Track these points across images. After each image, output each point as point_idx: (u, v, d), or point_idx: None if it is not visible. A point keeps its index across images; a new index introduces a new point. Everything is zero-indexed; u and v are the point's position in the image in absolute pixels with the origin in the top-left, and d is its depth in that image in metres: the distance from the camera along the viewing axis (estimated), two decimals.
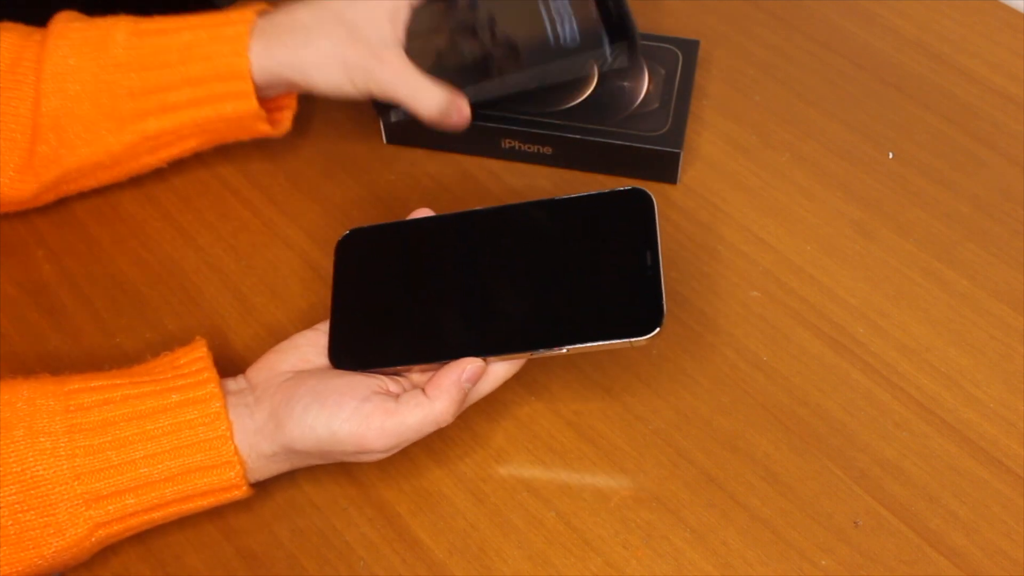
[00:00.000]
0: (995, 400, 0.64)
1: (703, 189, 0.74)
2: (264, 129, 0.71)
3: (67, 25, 0.68)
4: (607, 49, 0.70)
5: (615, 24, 0.71)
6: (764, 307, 0.68)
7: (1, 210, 0.70)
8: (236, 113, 0.68)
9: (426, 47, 0.70)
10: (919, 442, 0.63)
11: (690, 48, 0.77)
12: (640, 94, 0.75)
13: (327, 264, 0.65)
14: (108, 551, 0.59)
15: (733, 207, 0.73)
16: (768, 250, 0.71)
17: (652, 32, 0.80)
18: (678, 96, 0.75)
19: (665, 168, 0.74)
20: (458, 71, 0.69)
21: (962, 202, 0.73)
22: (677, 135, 0.73)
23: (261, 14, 0.68)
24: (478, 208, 0.63)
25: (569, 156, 0.75)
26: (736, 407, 0.64)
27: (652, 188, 0.74)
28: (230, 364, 0.66)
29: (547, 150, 0.75)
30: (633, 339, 0.57)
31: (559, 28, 0.70)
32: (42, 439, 0.55)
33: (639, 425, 0.64)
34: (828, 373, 0.66)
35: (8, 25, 0.69)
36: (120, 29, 0.68)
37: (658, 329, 0.56)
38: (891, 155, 0.76)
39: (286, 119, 0.73)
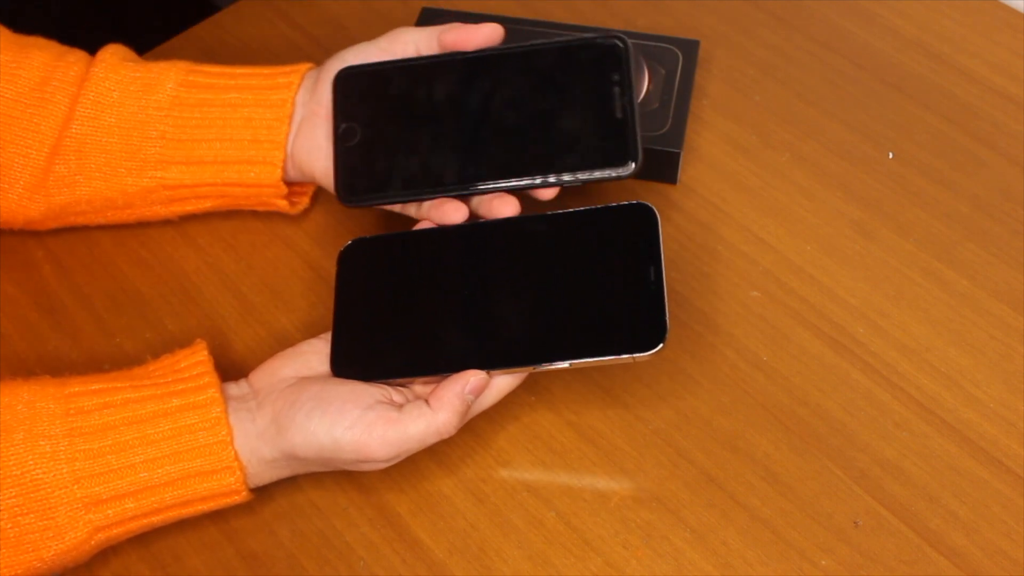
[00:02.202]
0: (995, 400, 0.64)
1: (703, 189, 0.74)
2: (281, 205, 0.70)
3: (120, 63, 0.68)
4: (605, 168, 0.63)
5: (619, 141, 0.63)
6: (764, 307, 0.68)
7: (4, 227, 0.69)
8: (258, 181, 0.68)
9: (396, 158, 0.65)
10: (919, 442, 0.63)
11: (690, 48, 0.77)
12: (640, 94, 0.75)
13: (328, 264, 0.65)
14: (108, 551, 0.59)
15: (733, 207, 0.73)
16: (768, 250, 0.71)
17: (652, 32, 0.80)
18: (678, 96, 0.75)
19: (665, 168, 0.74)
20: (435, 169, 0.64)
21: (962, 202, 0.73)
22: (677, 135, 0.73)
23: (305, 86, 0.68)
24: (482, 220, 0.63)
25: None
26: (736, 407, 0.64)
27: (652, 188, 0.74)
28: (230, 364, 0.66)
29: None
30: (635, 355, 0.57)
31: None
32: (42, 443, 0.55)
33: (639, 425, 0.64)
34: (828, 373, 0.66)
35: (41, 42, 0.68)
36: (171, 77, 0.67)
37: (661, 345, 0.56)
38: (891, 155, 0.76)
39: (302, 202, 0.72)
